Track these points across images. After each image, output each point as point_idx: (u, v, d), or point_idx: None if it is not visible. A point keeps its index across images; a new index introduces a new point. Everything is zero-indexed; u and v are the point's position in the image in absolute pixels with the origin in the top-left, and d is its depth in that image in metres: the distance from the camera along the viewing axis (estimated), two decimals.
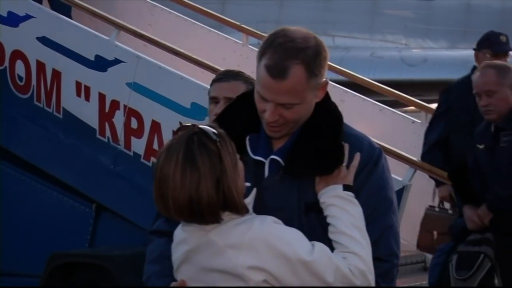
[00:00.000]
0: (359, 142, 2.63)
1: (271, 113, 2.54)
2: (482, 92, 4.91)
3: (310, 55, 2.52)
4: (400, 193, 5.65)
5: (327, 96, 2.65)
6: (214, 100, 3.68)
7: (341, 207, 2.52)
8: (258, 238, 2.42)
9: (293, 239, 2.44)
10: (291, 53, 2.50)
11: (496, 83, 4.89)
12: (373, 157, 2.62)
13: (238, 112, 2.66)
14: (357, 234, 2.50)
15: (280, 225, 2.48)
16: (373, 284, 2.49)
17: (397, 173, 5.77)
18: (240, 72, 3.74)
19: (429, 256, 6.41)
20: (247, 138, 2.62)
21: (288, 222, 2.51)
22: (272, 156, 2.60)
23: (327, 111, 2.64)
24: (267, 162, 2.60)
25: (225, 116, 2.66)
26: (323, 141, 2.59)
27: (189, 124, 2.53)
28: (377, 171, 2.61)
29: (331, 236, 2.51)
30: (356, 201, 2.55)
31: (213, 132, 2.47)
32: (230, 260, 2.42)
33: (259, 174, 2.60)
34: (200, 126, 2.49)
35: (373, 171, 2.60)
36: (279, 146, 2.62)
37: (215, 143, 2.45)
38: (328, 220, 2.53)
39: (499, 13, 14.16)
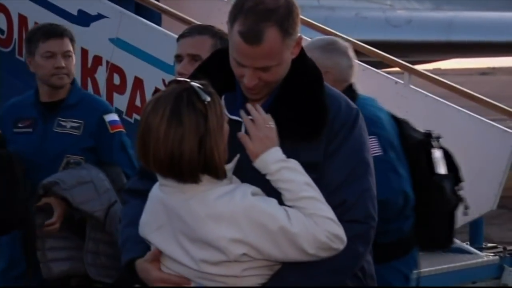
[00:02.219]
0: (337, 102, 2.60)
1: (250, 78, 2.52)
2: None
3: (282, 15, 2.49)
4: None
5: (303, 52, 2.62)
6: (178, 58, 3.46)
7: (291, 168, 2.49)
8: (240, 211, 2.42)
9: (273, 210, 2.44)
10: (263, 16, 2.47)
11: None
12: (351, 118, 2.60)
13: (213, 70, 2.62)
14: (314, 193, 2.48)
15: (260, 196, 2.48)
16: (345, 242, 2.49)
17: None
18: (209, 26, 3.53)
19: None
20: (223, 97, 2.58)
21: (264, 182, 2.49)
22: (250, 117, 2.56)
23: (305, 68, 2.61)
24: (244, 122, 2.56)
25: (199, 75, 2.60)
26: (304, 101, 2.56)
27: (183, 79, 2.51)
28: (354, 133, 2.59)
29: (290, 203, 2.47)
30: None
31: (204, 91, 2.45)
32: (212, 231, 2.42)
33: (235, 133, 2.55)
34: (192, 83, 2.47)
35: (351, 132, 2.58)
36: None
37: (203, 103, 2.43)
38: (282, 185, 2.48)
39: None
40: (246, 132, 2.55)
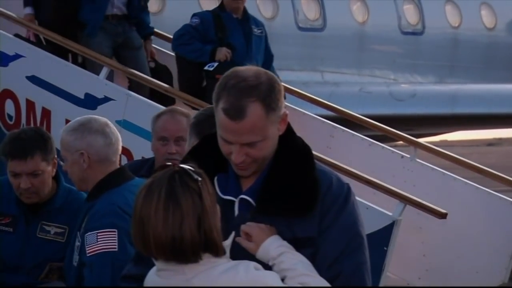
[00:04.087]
0: (328, 177, 2.64)
1: (237, 155, 2.55)
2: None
3: (264, 91, 2.54)
4: (390, 228, 5.66)
5: (290, 130, 2.66)
6: None
7: (291, 252, 2.54)
8: (245, 284, 2.43)
9: (278, 284, 2.46)
10: (245, 92, 2.52)
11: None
12: (343, 193, 2.63)
13: (205, 154, 2.66)
14: (313, 270, 2.53)
15: (262, 271, 2.49)
16: None
17: (387, 208, 5.79)
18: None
19: None
20: (216, 178, 2.62)
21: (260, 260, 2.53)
22: (242, 196, 2.60)
23: (293, 146, 2.65)
24: (237, 201, 2.61)
25: (191, 158, 2.64)
26: (295, 178, 2.59)
27: (170, 163, 2.55)
28: (347, 207, 2.62)
29: (293, 281, 2.50)
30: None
31: (195, 172, 2.48)
32: None
33: (229, 214, 2.59)
34: (181, 165, 2.51)
35: (344, 207, 2.61)
36: (248, 185, 2.63)
37: (196, 182, 2.46)
38: (285, 266, 2.52)
39: (486, 48, 14.27)
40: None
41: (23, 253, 3.92)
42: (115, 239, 3.41)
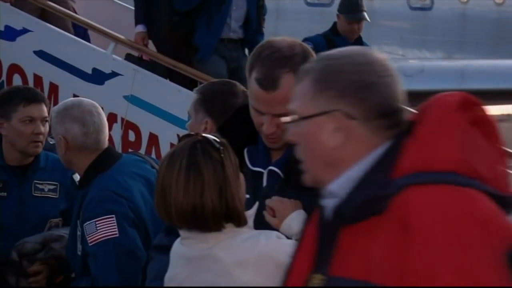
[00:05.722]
0: None
1: (268, 126, 2.55)
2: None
3: (298, 62, 2.52)
4: None
5: None
6: None
7: None
8: (266, 254, 2.43)
9: None
10: (279, 63, 2.52)
11: None
12: None
13: (236, 126, 2.68)
14: None
15: (284, 239, 2.49)
16: None
17: None
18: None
19: None
20: (245, 150, 2.63)
21: None
22: (271, 168, 2.61)
23: None
24: (265, 173, 2.61)
25: (222, 130, 2.66)
26: None
27: (192, 132, 2.56)
28: None
29: None
30: None
31: (217, 141, 2.48)
32: (239, 279, 2.42)
33: (258, 185, 2.61)
34: (204, 134, 2.52)
35: None
36: (277, 157, 2.63)
37: (218, 152, 2.46)
38: None
39: (495, 23, 14.21)
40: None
41: (21, 214, 3.95)
42: (114, 225, 3.41)
